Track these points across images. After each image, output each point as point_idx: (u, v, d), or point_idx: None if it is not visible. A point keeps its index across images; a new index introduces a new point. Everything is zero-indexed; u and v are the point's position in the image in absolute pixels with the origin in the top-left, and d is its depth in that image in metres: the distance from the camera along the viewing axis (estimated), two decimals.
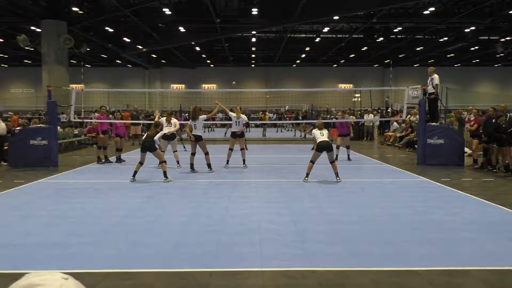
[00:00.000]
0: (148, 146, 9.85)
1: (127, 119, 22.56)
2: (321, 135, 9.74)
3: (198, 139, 11.06)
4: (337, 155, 12.56)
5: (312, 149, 17.33)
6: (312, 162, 9.78)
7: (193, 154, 11.27)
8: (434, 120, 13.35)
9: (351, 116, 21.75)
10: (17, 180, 9.85)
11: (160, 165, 10.39)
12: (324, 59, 43.60)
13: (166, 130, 11.51)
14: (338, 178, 9.69)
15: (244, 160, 12.04)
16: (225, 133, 24.35)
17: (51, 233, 5.76)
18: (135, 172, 9.81)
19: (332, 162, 9.79)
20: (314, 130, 10.22)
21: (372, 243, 5.29)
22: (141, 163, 9.91)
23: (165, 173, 9.77)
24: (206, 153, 11.24)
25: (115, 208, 7.22)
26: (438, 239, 5.46)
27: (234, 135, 12.09)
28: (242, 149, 12.17)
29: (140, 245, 5.24)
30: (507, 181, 10.12)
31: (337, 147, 13.26)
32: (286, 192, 8.59)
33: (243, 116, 12.16)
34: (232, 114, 12.14)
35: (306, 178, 9.72)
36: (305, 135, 17.67)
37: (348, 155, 13.75)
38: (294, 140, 23.57)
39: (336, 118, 17.01)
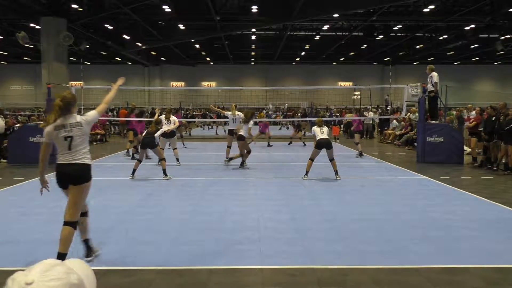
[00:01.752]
0: (148, 143, 9.84)
1: (124, 117, 22.54)
2: (321, 133, 9.71)
3: (240, 138, 11.32)
4: (361, 152, 13.89)
5: (304, 144, 17.50)
6: (311, 159, 9.78)
7: (229, 147, 12.06)
8: (434, 118, 13.36)
9: (350, 114, 21.77)
10: (17, 178, 9.85)
11: (159, 163, 10.39)
12: (323, 57, 43.53)
13: (165, 127, 11.51)
14: (337, 176, 9.69)
15: (243, 162, 11.53)
16: (216, 131, 25.42)
17: (51, 230, 5.75)
18: (134, 170, 9.81)
19: (331, 160, 9.78)
20: (313, 128, 10.16)
21: (372, 241, 5.30)
22: (139, 161, 9.92)
23: (164, 170, 9.77)
24: (248, 152, 11.67)
25: (115, 205, 7.22)
26: (437, 237, 5.47)
27: (231, 132, 12.18)
28: (246, 152, 11.52)
29: (140, 243, 5.25)
30: (506, 179, 10.12)
31: (357, 144, 14.32)
32: (285, 189, 8.59)
33: (239, 113, 12.10)
34: (228, 113, 12.21)
35: (306, 176, 9.71)
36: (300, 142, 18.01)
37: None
38: (294, 138, 23.48)
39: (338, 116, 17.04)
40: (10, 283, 0.86)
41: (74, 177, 4.39)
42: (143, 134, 10.44)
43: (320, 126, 9.91)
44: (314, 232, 5.64)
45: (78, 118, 4.46)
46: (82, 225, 4.55)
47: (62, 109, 4.30)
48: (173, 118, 12.00)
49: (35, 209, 6.94)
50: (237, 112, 12.07)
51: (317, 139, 9.65)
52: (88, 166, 4.47)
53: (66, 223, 4.30)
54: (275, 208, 6.97)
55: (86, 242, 4.61)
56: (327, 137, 9.74)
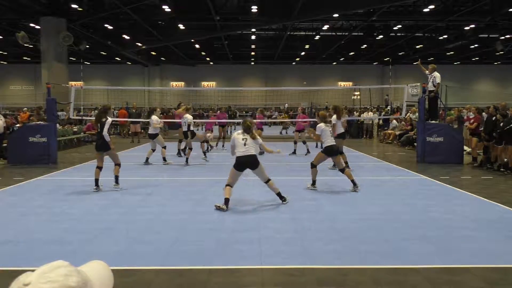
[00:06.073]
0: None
1: (123, 116, 22.55)
2: None
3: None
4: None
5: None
6: None
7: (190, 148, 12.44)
8: (434, 118, 13.35)
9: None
10: (16, 177, 9.85)
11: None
12: (323, 57, 43.52)
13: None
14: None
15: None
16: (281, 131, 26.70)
17: (50, 230, 5.76)
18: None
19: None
20: None
21: (371, 241, 5.30)
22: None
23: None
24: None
25: (115, 205, 7.23)
26: (437, 237, 5.46)
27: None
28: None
29: (140, 242, 5.25)
30: (506, 179, 10.11)
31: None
32: (285, 190, 8.56)
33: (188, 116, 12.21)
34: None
35: None
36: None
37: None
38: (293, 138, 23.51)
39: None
40: (13, 283, 0.89)
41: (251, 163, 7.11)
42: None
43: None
44: (314, 232, 5.64)
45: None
46: (272, 186, 7.26)
47: (249, 127, 7.16)
48: (155, 117, 12.08)
49: (35, 209, 6.94)
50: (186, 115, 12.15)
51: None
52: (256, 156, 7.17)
53: (267, 181, 7.25)
54: (275, 208, 6.98)
55: (278, 194, 7.21)
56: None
